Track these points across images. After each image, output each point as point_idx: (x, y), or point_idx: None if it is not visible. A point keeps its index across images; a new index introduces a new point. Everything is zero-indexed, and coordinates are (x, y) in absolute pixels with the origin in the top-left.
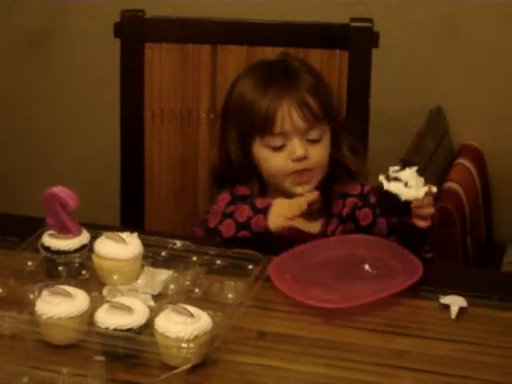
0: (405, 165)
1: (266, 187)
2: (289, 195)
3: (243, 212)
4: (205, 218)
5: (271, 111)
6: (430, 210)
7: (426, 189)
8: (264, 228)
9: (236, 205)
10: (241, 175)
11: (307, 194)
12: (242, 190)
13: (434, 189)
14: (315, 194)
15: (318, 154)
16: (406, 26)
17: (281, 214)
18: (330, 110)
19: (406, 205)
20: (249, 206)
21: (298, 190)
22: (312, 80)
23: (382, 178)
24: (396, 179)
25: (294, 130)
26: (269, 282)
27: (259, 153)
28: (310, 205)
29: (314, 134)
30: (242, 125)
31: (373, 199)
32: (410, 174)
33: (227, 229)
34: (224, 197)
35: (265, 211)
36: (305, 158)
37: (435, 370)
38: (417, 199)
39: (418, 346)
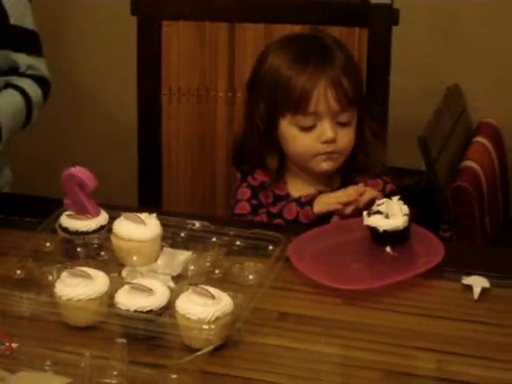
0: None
1: (284, 166)
2: (309, 173)
3: (291, 209)
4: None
5: (307, 90)
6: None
7: (406, 218)
8: (312, 217)
9: (281, 203)
10: (261, 152)
11: (360, 186)
12: (260, 178)
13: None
14: (373, 192)
15: (346, 137)
16: (424, 2)
17: (328, 199)
18: (360, 93)
19: (387, 235)
20: (295, 202)
21: (323, 165)
22: (345, 60)
23: (364, 213)
24: (378, 212)
25: (327, 111)
26: (289, 263)
27: (287, 131)
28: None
29: (344, 117)
30: (274, 100)
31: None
32: (390, 204)
33: None
34: (244, 191)
35: (311, 203)
36: (333, 140)
37: (457, 351)
38: (397, 228)
39: (439, 327)
